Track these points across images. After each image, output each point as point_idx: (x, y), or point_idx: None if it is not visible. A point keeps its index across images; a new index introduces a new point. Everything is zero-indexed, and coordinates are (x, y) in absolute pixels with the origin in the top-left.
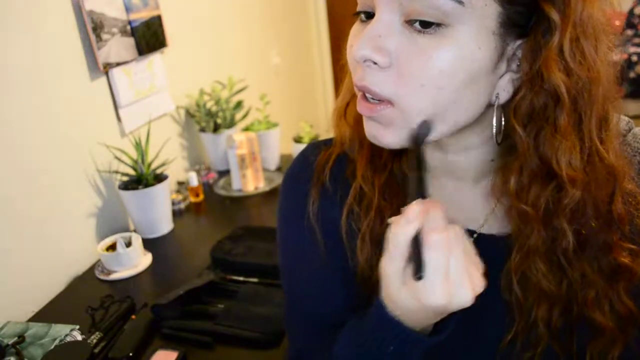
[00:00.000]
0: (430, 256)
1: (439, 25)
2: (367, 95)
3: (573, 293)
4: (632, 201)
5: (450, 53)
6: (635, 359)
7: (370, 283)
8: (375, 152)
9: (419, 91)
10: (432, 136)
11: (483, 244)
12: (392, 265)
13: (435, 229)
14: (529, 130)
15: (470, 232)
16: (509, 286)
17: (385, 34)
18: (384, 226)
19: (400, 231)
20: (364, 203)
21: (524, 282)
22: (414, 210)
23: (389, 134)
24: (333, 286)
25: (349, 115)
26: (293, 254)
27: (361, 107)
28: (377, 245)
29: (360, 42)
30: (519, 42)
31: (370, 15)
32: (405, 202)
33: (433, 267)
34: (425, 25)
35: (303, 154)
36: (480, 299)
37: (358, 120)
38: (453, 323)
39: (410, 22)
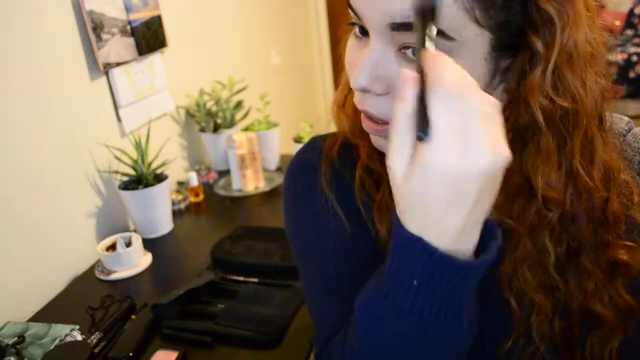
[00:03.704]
0: (437, 110)
1: None
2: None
3: (569, 294)
4: (626, 192)
5: None
6: (634, 353)
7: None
8: None
9: None
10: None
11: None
12: (399, 152)
13: (443, 80)
14: (514, 147)
15: None
16: (505, 288)
17: (382, 64)
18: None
19: (397, 107)
20: (373, 177)
21: (518, 291)
22: (407, 77)
23: None
24: (354, 253)
25: (347, 106)
26: (309, 227)
27: (366, 125)
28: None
29: (359, 72)
30: (510, 59)
31: (364, 31)
32: None
33: (441, 122)
34: None
35: (309, 142)
36: (482, 290)
37: (357, 110)
38: (495, 246)
39: (402, 50)
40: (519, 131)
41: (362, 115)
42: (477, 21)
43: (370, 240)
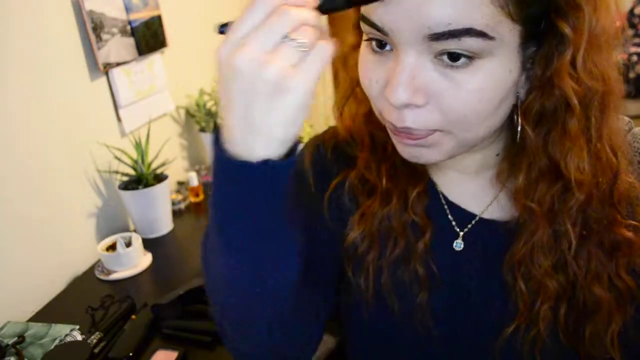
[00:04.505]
0: (244, 11)
1: (469, 57)
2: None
3: (577, 278)
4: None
5: (486, 83)
6: (636, 340)
7: (355, 258)
8: (379, 145)
9: (463, 120)
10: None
11: (483, 228)
12: None
13: None
14: (539, 130)
15: (472, 216)
16: (512, 275)
17: (419, 74)
18: (389, 207)
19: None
20: (366, 187)
21: (527, 275)
22: None
23: (433, 153)
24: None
25: (346, 114)
26: None
27: (404, 139)
28: (374, 223)
29: (396, 89)
30: (534, 48)
31: (381, 44)
32: (406, 188)
33: (235, 22)
34: (454, 58)
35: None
36: (479, 282)
37: (355, 118)
38: (273, 163)
39: (438, 57)
40: (544, 115)
41: (395, 133)
42: (510, 16)
43: (325, 239)
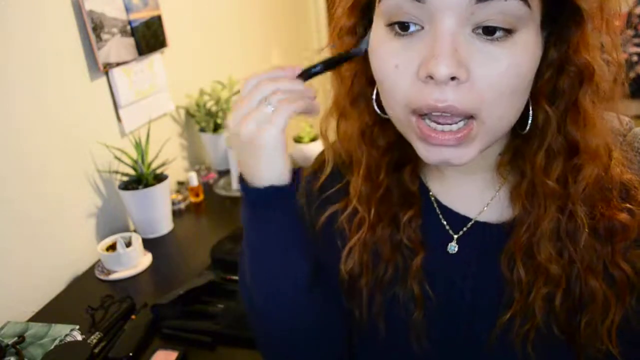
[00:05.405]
0: (244, 84)
1: (506, 30)
2: (437, 122)
3: (573, 266)
4: (633, 191)
5: (523, 58)
6: (635, 332)
7: (348, 286)
8: (374, 170)
9: (500, 99)
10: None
11: (479, 230)
12: None
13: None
14: (554, 109)
15: (467, 219)
16: (511, 265)
17: (460, 47)
18: (379, 235)
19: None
20: (355, 220)
21: (528, 262)
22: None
23: (467, 152)
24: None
25: (340, 133)
26: None
27: (438, 139)
28: (365, 253)
29: (441, 60)
30: (547, 31)
31: (404, 27)
32: (397, 212)
33: (242, 93)
34: (490, 32)
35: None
36: (473, 282)
37: (350, 138)
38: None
39: (476, 30)
40: (558, 95)
41: (433, 133)
42: None
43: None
